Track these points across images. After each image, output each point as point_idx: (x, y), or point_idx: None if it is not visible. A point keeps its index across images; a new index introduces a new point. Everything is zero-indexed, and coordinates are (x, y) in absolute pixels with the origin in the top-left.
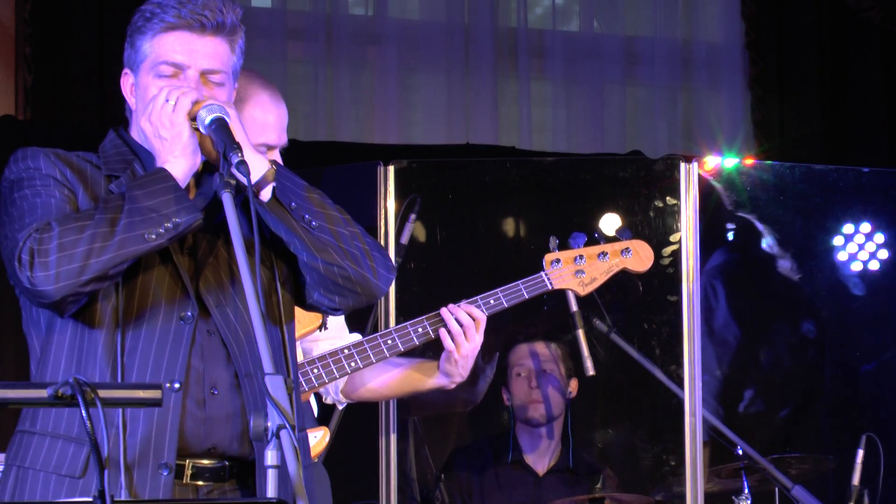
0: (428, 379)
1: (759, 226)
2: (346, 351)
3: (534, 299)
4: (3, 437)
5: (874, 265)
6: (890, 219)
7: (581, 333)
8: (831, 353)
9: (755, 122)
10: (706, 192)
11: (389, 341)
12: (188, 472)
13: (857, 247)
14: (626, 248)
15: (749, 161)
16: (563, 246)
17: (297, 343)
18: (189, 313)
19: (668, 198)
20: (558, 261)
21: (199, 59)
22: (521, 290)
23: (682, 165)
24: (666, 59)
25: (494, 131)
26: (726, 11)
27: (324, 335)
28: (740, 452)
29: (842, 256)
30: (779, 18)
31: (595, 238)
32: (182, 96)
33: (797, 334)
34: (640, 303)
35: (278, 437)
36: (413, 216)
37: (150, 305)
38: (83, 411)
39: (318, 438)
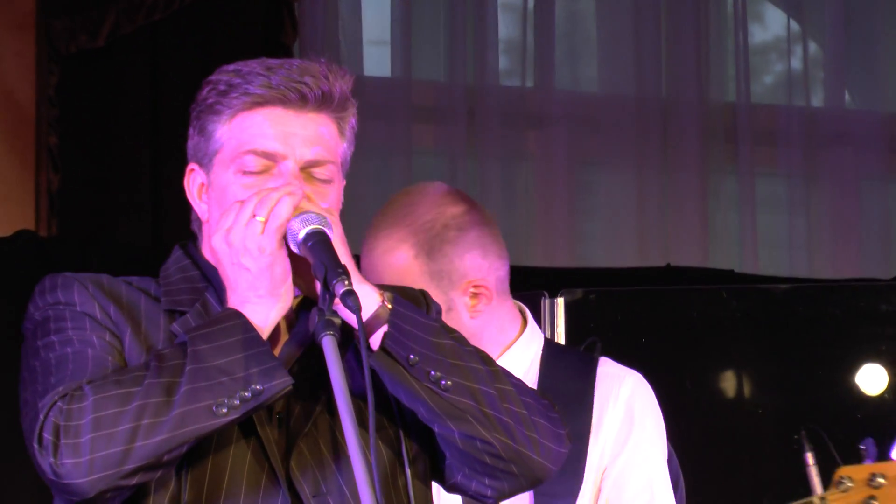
0: None
1: None
2: None
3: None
4: None
5: None
6: None
7: None
8: None
9: None
10: None
11: None
12: None
13: None
14: None
15: None
16: (848, 454)
17: None
18: None
19: None
20: (849, 479)
21: (299, 147)
22: None
23: None
24: None
25: (705, 249)
26: None
27: None
28: None
29: None
30: None
31: None
32: (279, 206)
33: None
34: None
35: None
36: None
37: (224, 497)
38: None
39: None
